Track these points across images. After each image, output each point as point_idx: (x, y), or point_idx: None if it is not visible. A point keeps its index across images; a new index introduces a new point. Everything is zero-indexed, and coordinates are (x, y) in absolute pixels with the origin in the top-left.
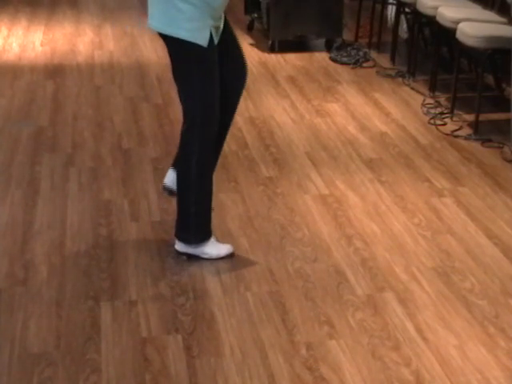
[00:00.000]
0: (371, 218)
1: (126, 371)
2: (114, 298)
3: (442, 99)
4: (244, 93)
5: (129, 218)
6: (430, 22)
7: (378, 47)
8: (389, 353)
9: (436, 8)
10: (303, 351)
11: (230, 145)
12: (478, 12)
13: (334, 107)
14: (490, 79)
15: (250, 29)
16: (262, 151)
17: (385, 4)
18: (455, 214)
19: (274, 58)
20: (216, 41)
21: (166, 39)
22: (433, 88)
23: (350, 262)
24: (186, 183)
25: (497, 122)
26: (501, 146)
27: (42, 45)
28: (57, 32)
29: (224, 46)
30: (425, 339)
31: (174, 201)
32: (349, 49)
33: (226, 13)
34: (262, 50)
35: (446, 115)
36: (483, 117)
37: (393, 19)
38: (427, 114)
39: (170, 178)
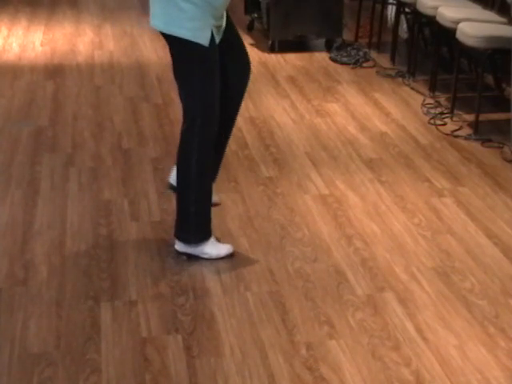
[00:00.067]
0: (371, 218)
1: (126, 371)
2: (114, 298)
3: (442, 99)
4: None
5: (129, 218)
6: (430, 21)
7: (378, 47)
8: (389, 353)
9: (436, 8)
10: (303, 351)
11: (230, 145)
12: (478, 12)
13: (333, 107)
14: (489, 79)
15: (250, 29)
16: (262, 151)
17: (385, 4)
18: (455, 214)
19: (274, 58)
20: (217, 40)
21: (168, 38)
22: (433, 88)
23: (350, 262)
24: (186, 182)
25: (497, 122)
26: (501, 146)
27: (42, 45)
28: (57, 32)
29: (227, 45)
30: (425, 339)
31: (173, 201)
32: (349, 49)
33: (228, 11)
34: (262, 49)
35: (446, 115)
36: (483, 117)
37: (393, 19)
38: (427, 114)
39: (175, 177)
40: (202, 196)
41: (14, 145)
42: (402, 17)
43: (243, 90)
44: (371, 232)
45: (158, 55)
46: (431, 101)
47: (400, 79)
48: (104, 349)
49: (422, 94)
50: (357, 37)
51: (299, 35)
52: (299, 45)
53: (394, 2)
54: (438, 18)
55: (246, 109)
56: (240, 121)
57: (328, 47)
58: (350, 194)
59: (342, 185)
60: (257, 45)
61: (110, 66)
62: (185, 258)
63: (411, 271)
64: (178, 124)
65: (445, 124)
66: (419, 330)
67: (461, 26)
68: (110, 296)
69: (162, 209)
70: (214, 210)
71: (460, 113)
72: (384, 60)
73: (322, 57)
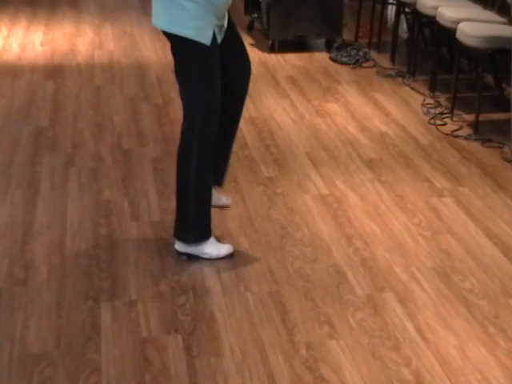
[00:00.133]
0: (371, 218)
1: (126, 371)
2: (114, 298)
3: (442, 99)
4: None
5: (129, 218)
6: (430, 21)
7: (378, 47)
8: (389, 353)
9: (436, 8)
10: (303, 351)
11: None
12: (478, 12)
13: (333, 107)
14: (489, 79)
15: (250, 29)
16: (262, 151)
17: (385, 4)
18: (455, 214)
19: (274, 58)
20: (219, 40)
21: (170, 37)
22: (433, 88)
23: (350, 262)
24: (186, 182)
25: (497, 122)
26: (501, 146)
27: (42, 45)
28: (57, 32)
29: (227, 45)
30: (425, 339)
31: (173, 201)
32: (349, 49)
33: (229, 12)
34: (262, 49)
35: (446, 115)
36: (483, 117)
37: (393, 19)
38: (427, 114)
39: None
40: (201, 196)
41: (14, 145)
42: (402, 17)
43: (245, 90)
44: (371, 232)
45: (157, 55)
46: (431, 101)
47: (400, 79)
48: (104, 349)
49: (421, 93)
50: (357, 37)
51: (299, 35)
52: (299, 45)
53: (394, 2)
54: (437, 18)
55: (246, 109)
56: (240, 121)
57: (328, 47)
58: (349, 194)
59: (342, 185)
60: (257, 45)
61: (109, 65)
62: (185, 257)
63: (411, 271)
64: (178, 124)
65: (445, 124)
66: (419, 330)
67: (461, 26)
68: (109, 296)
69: (161, 209)
70: (213, 210)
71: (460, 113)
72: (384, 60)
73: (322, 57)
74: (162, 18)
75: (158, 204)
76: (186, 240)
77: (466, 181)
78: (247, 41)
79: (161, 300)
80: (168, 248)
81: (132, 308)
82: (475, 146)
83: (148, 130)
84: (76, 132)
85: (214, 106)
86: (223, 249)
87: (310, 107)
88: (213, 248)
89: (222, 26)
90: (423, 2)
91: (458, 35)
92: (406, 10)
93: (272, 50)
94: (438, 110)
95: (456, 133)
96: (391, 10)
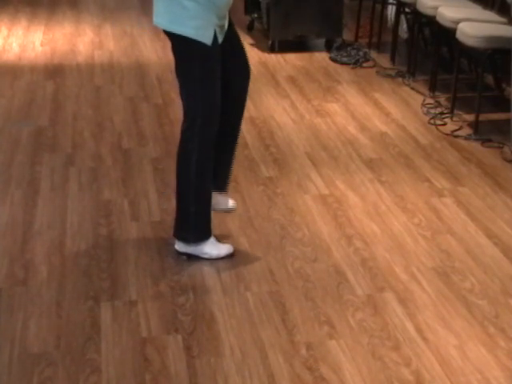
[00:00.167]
0: (371, 218)
1: (126, 371)
2: (114, 298)
3: (442, 99)
4: None
5: (129, 218)
6: (430, 22)
7: (378, 47)
8: (389, 353)
9: (436, 8)
10: (303, 351)
11: None
12: (478, 12)
13: (333, 107)
14: (490, 79)
15: (250, 29)
16: (262, 151)
17: (385, 4)
18: (455, 214)
19: (274, 58)
20: (220, 40)
21: (171, 37)
22: (433, 88)
23: (350, 262)
24: (186, 182)
25: (497, 122)
26: (501, 146)
27: (42, 45)
28: (57, 32)
29: (228, 45)
30: (425, 339)
31: (173, 201)
32: (349, 49)
33: (229, 12)
34: (262, 50)
35: (446, 115)
36: (483, 117)
37: (393, 19)
38: (427, 114)
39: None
40: (201, 196)
41: (14, 145)
42: (402, 17)
43: (245, 90)
44: (371, 232)
45: (157, 55)
46: (431, 101)
47: (400, 79)
48: (104, 349)
49: (422, 94)
50: (357, 37)
51: (299, 35)
52: (299, 45)
53: (394, 2)
54: (437, 18)
55: (246, 109)
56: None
57: (328, 47)
58: (349, 194)
59: (342, 185)
60: (257, 45)
61: (110, 65)
62: (185, 257)
63: (411, 271)
64: (177, 124)
65: (445, 124)
66: (419, 330)
67: (461, 26)
68: (109, 296)
69: (161, 209)
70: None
71: (460, 113)
72: (384, 60)
73: (321, 57)
74: (162, 17)
75: (158, 204)
76: (186, 240)
77: (466, 181)
78: (247, 41)
79: (161, 300)
80: (168, 248)
81: (132, 308)
82: (475, 146)
83: (148, 130)
84: (76, 132)
85: (214, 105)
86: (223, 249)
87: (309, 107)
88: (213, 248)
89: (223, 25)
90: (423, 2)
91: (458, 35)
92: (406, 9)
93: (272, 50)
94: (438, 110)
95: (456, 133)
96: (391, 10)
